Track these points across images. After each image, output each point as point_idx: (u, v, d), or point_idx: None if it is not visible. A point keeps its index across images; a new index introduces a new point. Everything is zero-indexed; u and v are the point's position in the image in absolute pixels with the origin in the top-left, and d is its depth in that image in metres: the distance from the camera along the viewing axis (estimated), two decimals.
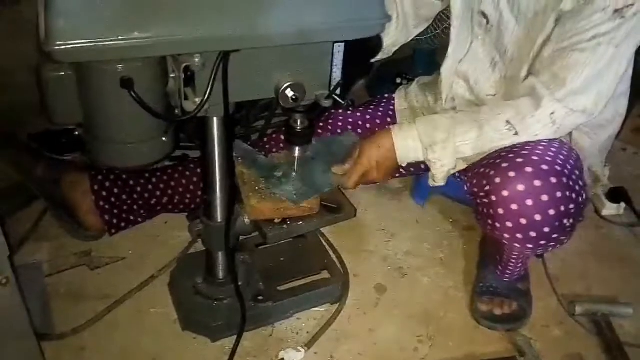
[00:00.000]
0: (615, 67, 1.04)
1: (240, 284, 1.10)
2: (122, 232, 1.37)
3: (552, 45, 1.06)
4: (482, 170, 1.09)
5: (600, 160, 1.29)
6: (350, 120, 1.37)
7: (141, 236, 1.38)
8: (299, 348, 1.12)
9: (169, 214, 1.40)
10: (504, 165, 1.03)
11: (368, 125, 1.37)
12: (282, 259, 1.30)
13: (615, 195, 1.56)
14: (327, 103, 0.95)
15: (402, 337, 1.19)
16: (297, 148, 1.07)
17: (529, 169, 1.00)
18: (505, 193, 1.01)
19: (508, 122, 1.07)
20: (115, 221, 1.34)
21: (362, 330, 1.20)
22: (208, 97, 0.84)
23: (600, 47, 1.01)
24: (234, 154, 1.07)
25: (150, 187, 1.34)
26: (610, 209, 1.57)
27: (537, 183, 0.99)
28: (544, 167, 1.00)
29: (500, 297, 1.24)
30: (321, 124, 1.36)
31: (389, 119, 1.38)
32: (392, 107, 1.40)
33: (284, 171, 1.14)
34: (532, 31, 1.10)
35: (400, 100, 1.40)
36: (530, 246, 1.06)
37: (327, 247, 1.38)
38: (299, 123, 1.02)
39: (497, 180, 1.02)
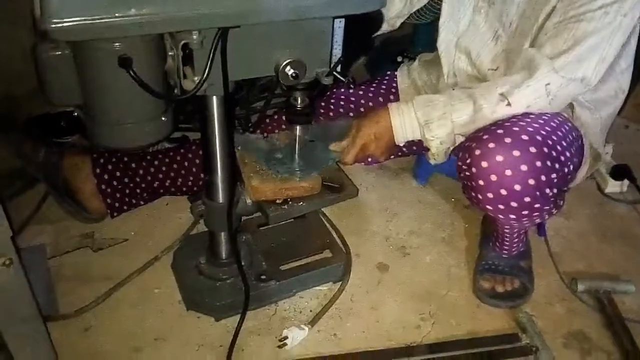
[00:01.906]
0: (619, 37, 1.03)
1: (243, 264, 1.10)
2: (124, 214, 1.37)
3: (557, 16, 1.05)
4: (466, 143, 1.09)
5: (601, 137, 1.28)
6: (353, 99, 1.36)
7: (143, 218, 1.39)
8: (302, 326, 1.13)
9: (171, 196, 1.40)
10: (485, 137, 1.03)
11: (370, 104, 1.36)
12: (284, 239, 1.30)
13: (619, 172, 1.56)
14: (327, 80, 0.94)
15: (404, 315, 1.20)
16: (297, 127, 1.06)
17: (507, 140, 1.00)
18: (484, 164, 1.01)
19: (502, 94, 1.07)
20: (117, 204, 1.34)
21: (365, 309, 1.21)
22: (207, 76, 0.84)
23: (607, 16, 1.01)
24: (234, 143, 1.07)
25: (152, 170, 1.34)
26: (613, 187, 1.57)
27: (516, 153, 0.99)
28: (524, 137, 1.00)
29: (502, 274, 1.25)
30: (323, 104, 1.35)
31: (391, 97, 1.38)
32: (394, 85, 1.39)
33: (285, 152, 1.14)
34: (537, 3, 1.09)
35: (402, 78, 1.39)
36: (513, 216, 1.06)
37: (329, 227, 1.38)
38: (299, 101, 1.02)
39: (477, 152, 1.02)
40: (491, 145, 1.01)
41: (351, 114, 1.36)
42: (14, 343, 0.89)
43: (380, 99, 1.37)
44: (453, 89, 1.26)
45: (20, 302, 0.89)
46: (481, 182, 1.03)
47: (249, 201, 1.10)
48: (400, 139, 1.15)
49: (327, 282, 1.25)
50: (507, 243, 1.24)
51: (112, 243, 1.32)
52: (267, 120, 1.35)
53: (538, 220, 1.12)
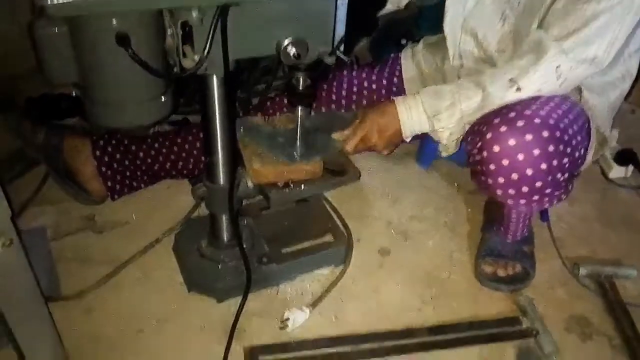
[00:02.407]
0: (631, 17, 1.01)
1: (244, 246, 1.10)
2: (124, 196, 1.37)
3: None
4: (476, 127, 1.08)
5: (608, 120, 1.27)
6: (356, 82, 1.35)
7: (144, 200, 1.39)
8: (303, 308, 1.13)
9: (172, 179, 1.40)
10: (496, 120, 1.01)
11: (374, 86, 1.35)
12: (286, 222, 1.30)
13: (623, 157, 1.55)
14: (330, 60, 0.93)
15: (405, 299, 1.20)
16: (299, 109, 1.05)
17: (520, 123, 0.98)
18: (496, 148, 0.99)
19: (511, 79, 1.05)
20: (117, 187, 1.34)
21: (366, 292, 1.21)
22: (207, 55, 0.83)
23: None
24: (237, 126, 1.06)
25: (152, 152, 1.34)
26: (617, 172, 1.56)
27: (529, 137, 0.97)
28: (537, 120, 0.99)
29: (504, 258, 1.24)
30: (325, 86, 1.34)
31: (395, 80, 1.36)
32: (398, 68, 1.38)
33: (286, 135, 1.13)
34: None
35: (407, 61, 1.38)
36: (523, 201, 1.05)
37: (331, 211, 1.37)
38: (301, 82, 1.00)
39: (489, 135, 1.01)
40: (503, 129, 0.99)
41: (354, 97, 1.35)
42: (16, 324, 0.89)
43: (384, 81, 1.36)
44: (459, 72, 1.25)
45: (22, 283, 0.89)
46: (492, 167, 1.01)
47: (250, 184, 1.09)
48: (408, 133, 1.14)
49: (328, 265, 1.25)
50: (512, 228, 1.23)
51: (113, 225, 1.32)
52: (269, 104, 1.35)
53: (547, 206, 1.10)
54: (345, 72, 1.36)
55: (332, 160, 1.13)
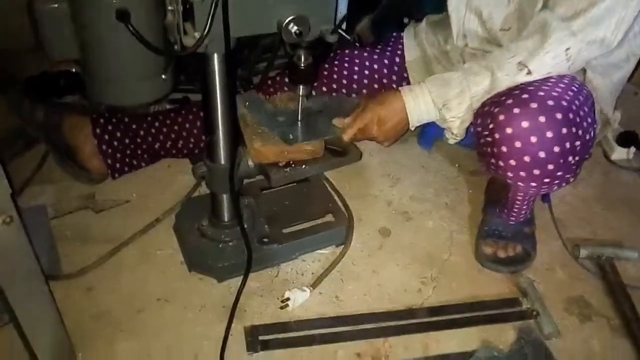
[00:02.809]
0: None
1: (245, 226, 1.10)
2: (125, 175, 1.37)
3: None
4: (486, 108, 1.06)
5: (611, 102, 1.25)
6: (357, 60, 1.34)
7: (144, 179, 1.38)
8: (304, 288, 1.13)
9: (172, 158, 1.39)
10: (509, 102, 1.00)
11: (375, 66, 1.34)
12: (287, 202, 1.30)
13: (626, 139, 1.54)
14: (332, 38, 0.92)
15: (405, 279, 1.20)
16: (301, 87, 1.04)
17: (533, 105, 0.97)
18: (509, 130, 0.98)
19: (520, 63, 1.04)
20: (117, 165, 1.34)
21: (366, 272, 1.21)
22: (208, 32, 0.81)
23: None
24: (241, 99, 1.05)
25: (153, 131, 1.33)
26: (619, 154, 1.55)
27: (542, 119, 0.96)
28: (550, 102, 0.97)
29: (504, 240, 1.24)
30: (327, 65, 1.33)
31: (397, 59, 1.35)
32: (400, 47, 1.36)
33: (287, 114, 1.12)
34: None
35: (409, 40, 1.36)
36: (533, 184, 1.04)
37: (331, 191, 1.37)
38: (302, 60, 0.99)
39: (501, 117, 0.99)
40: (516, 110, 0.98)
41: (355, 77, 1.34)
42: (17, 302, 0.89)
43: (385, 61, 1.35)
44: (463, 53, 1.23)
45: (22, 261, 0.88)
46: (504, 149, 1.00)
47: (250, 163, 1.08)
48: (415, 122, 1.13)
49: (329, 245, 1.25)
50: (516, 210, 1.22)
51: (113, 205, 1.31)
52: (269, 82, 1.33)
53: (555, 189, 1.09)
54: (347, 51, 1.34)
55: (334, 141, 1.12)
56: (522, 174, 1.02)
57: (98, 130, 1.31)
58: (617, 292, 1.18)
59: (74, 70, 1.40)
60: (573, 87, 1.02)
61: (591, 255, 1.26)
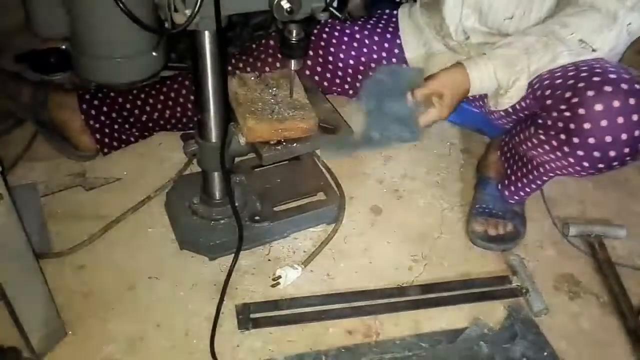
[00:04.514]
0: None
1: (237, 204, 1.10)
2: (115, 152, 1.36)
3: None
4: (558, 81, 1.03)
5: None
6: (348, 31, 1.32)
7: (135, 157, 1.37)
8: (295, 266, 1.14)
9: (163, 132, 1.38)
10: (596, 79, 0.98)
11: (367, 41, 1.32)
12: (278, 180, 1.29)
13: None
14: (323, 16, 0.90)
15: (397, 257, 1.21)
16: (293, 61, 1.02)
17: (624, 86, 0.95)
18: (598, 107, 0.95)
19: (582, 40, 1.03)
20: (106, 140, 1.33)
21: (358, 250, 1.22)
22: (198, 9, 0.80)
23: None
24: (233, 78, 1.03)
25: (139, 103, 1.32)
26: None
27: (632, 101, 0.95)
28: (637, 86, 0.96)
29: (495, 217, 1.25)
30: (315, 32, 1.31)
31: (388, 35, 1.33)
32: (394, 20, 1.35)
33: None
34: None
35: (403, 18, 1.35)
36: (601, 166, 1.01)
37: (323, 169, 1.37)
38: (294, 34, 0.97)
39: (590, 93, 0.96)
40: (608, 88, 0.96)
41: (343, 47, 1.32)
42: (7, 280, 0.89)
43: (376, 37, 1.32)
44: (465, 44, 1.22)
45: (12, 239, 0.88)
46: (587, 126, 0.97)
47: (242, 141, 1.08)
48: (476, 92, 1.13)
49: (320, 223, 1.25)
50: (528, 190, 1.21)
51: (104, 182, 1.30)
52: (254, 46, 1.32)
53: (606, 172, 1.05)
54: (338, 27, 1.32)
55: (326, 118, 1.12)
56: (596, 154, 0.98)
57: (84, 106, 1.29)
58: (606, 269, 1.20)
59: (63, 47, 1.37)
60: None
61: (581, 233, 1.28)
